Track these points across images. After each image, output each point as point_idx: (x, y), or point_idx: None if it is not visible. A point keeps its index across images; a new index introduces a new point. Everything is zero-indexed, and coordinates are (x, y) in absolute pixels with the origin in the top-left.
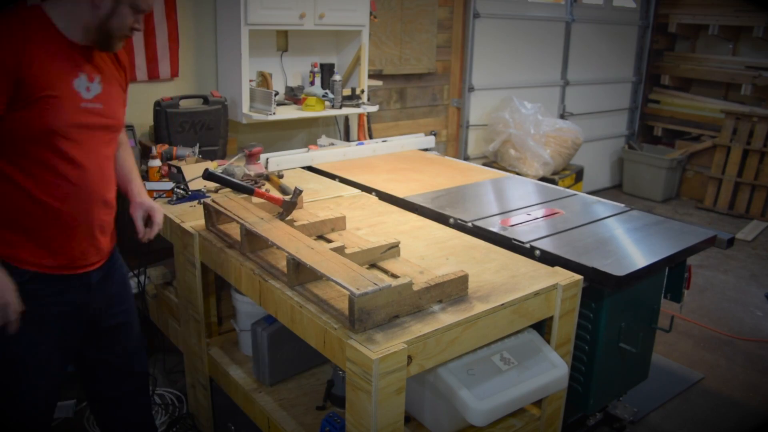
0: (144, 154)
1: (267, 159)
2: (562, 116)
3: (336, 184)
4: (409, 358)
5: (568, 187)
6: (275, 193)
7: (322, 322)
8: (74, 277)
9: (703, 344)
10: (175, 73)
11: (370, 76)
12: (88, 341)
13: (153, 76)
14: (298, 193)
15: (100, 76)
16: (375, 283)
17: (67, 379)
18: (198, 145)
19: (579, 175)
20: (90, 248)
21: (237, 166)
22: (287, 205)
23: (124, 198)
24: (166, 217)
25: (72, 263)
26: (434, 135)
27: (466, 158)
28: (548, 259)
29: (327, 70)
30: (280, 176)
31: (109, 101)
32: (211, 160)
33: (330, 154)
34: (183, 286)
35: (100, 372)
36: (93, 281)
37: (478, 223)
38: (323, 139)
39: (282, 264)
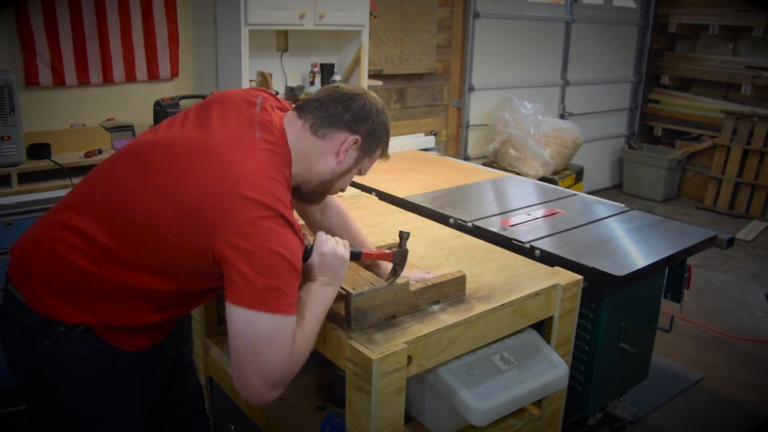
0: None
1: None
2: (562, 116)
3: None
4: (409, 358)
5: (568, 187)
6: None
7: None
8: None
9: (703, 344)
10: (175, 73)
11: (370, 76)
12: (160, 395)
13: (153, 76)
14: (406, 237)
15: None
16: (372, 283)
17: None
18: None
19: (579, 175)
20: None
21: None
22: (399, 256)
23: None
24: None
25: (161, 337)
26: (434, 135)
27: (466, 158)
28: (548, 259)
29: (327, 70)
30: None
31: None
32: None
33: None
34: None
35: (164, 420)
36: (172, 333)
37: (478, 223)
38: None
39: None
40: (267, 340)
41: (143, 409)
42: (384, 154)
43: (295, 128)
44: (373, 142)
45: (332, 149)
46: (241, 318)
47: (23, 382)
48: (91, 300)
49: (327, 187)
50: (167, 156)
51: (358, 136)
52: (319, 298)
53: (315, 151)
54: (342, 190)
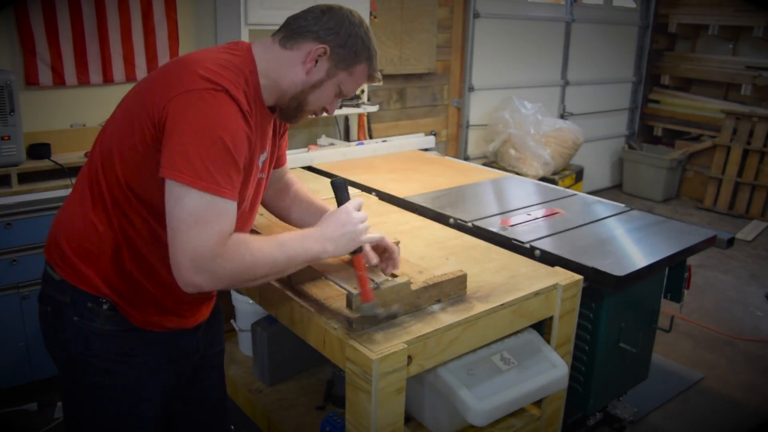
0: None
1: None
2: (562, 116)
3: None
4: (409, 358)
5: (568, 187)
6: None
7: (322, 322)
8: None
9: (703, 344)
10: None
11: None
12: (182, 389)
13: None
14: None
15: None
16: (373, 281)
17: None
18: None
19: (579, 175)
20: (207, 309)
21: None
22: (372, 306)
23: None
24: None
25: (185, 326)
26: (434, 135)
27: (466, 158)
28: (548, 259)
29: None
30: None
31: (267, 168)
32: None
33: (330, 154)
34: None
35: (181, 418)
36: (202, 327)
37: (478, 223)
38: (323, 139)
39: None
40: (192, 219)
41: (163, 395)
42: (372, 76)
43: (264, 44)
44: (347, 54)
45: (299, 59)
46: (170, 191)
47: (55, 357)
48: (110, 264)
49: (301, 101)
50: (143, 81)
51: (325, 46)
52: (308, 241)
53: (283, 62)
54: (327, 112)
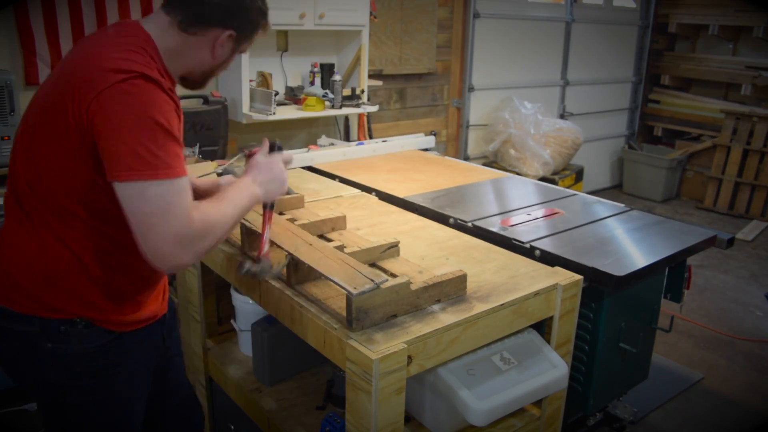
0: None
1: None
2: (562, 116)
3: (336, 184)
4: (409, 358)
5: (568, 187)
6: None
7: (322, 322)
8: (157, 322)
9: (703, 344)
10: None
11: (370, 76)
12: (156, 383)
13: None
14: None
15: None
16: (373, 281)
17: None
18: (198, 145)
19: (579, 175)
20: (164, 297)
21: (237, 167)
22: (261, 266)
23: None
24: None
25: (155, 315)
26: (434, 135)
27: (466, 158)
28: (548, 259)
29: (327, 70)
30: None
31: None
32: (211, 160)
33: (330, 154)
34: (183, 286)
35: (157, 414)
36: (166, 318)
37: (478, 223)
38: (323, 139)
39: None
40: (161, 209)
41: (145, 397)
42: (266, 28)
43: (158, 25)
44: (250, 29)
45: (206, 44)
46: (128, 191)
47: (31, 389)
48: (76, 279)
49: (209, 73)
50: (44, 94)
51: (232, 31)
52: (245, 189)
53: (187, 47)
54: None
